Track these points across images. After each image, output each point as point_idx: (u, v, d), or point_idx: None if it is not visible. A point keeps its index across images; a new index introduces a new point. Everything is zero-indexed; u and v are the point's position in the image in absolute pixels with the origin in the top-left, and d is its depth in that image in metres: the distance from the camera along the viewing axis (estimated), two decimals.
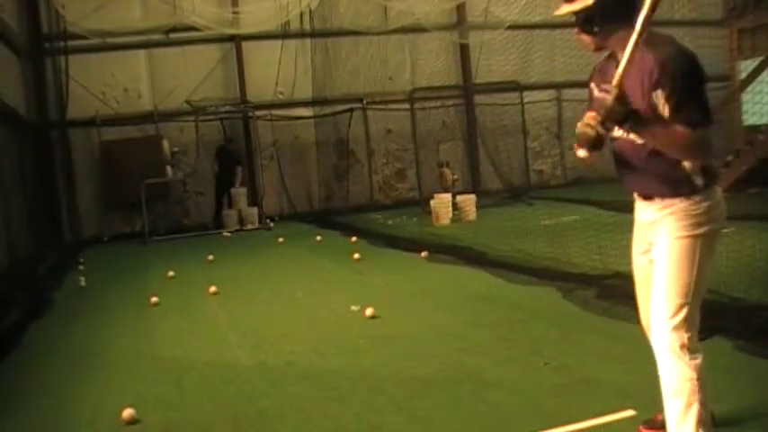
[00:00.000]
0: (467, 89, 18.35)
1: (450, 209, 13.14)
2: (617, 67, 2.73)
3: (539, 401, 3.94)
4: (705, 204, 2.83)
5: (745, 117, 14.24)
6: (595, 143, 2.66)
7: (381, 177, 18.14)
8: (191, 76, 16.21)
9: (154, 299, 7.76)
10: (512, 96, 17.27)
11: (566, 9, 2.91)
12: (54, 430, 4.36)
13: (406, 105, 16.93)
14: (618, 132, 2.88)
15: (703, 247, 2.85)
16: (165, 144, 15.72)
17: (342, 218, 15.02)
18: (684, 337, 2.81)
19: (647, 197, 2.94)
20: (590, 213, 12.07)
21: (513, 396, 4.07)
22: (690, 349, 2.81)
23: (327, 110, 17.31)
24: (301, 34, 16.70)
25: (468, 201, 13.41)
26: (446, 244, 9.87)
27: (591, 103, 3.05)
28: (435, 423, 3.81)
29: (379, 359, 5.08)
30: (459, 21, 17.86)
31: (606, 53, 3.02)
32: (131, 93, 16.21)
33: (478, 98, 18.23)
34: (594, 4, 2.80)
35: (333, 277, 8.76)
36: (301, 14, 16.12)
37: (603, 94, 2.72)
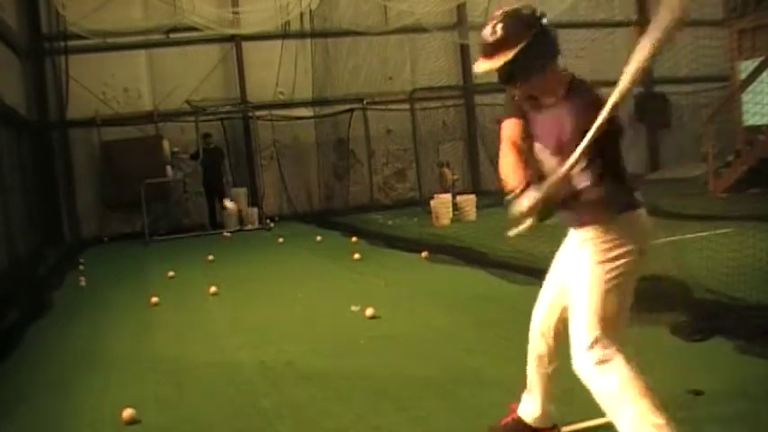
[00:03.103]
0: (467, 89, 18.34)
1: (451, 209, 13.14)
2: (539, 111, 2.90)
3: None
4: (615, 234, 2.82)
5: (745, 117, 14.23)
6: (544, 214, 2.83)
7: (381, 177, 18.15)
8: (191, 76, 16.21)
9: (154, 299, 7.76)
10: None
11: (485, 66, 2.85)
12: (54, 430, 4.36)
13: (406, 105, 16.92)
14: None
15: (614, 274, 2.82)
16: (166, 144, 15.72)
17: (342, 218, 15.02)
18: (600, 353, 2.80)
19: (569, 224, 3.04)
20: None
21: (513, 396, 4.07)
22: (607, 360, 2.80)
23: (327, 110, 17.32)
24: (301, 34, 16.71)
25: (469, 201, 13.41)
26: (446, 244, 9.87)
27: (516, 112, 3.04)
28: (435, 423, 3.81)
29: (379, 359, 5.08)
30: (459, 21, 17.87)
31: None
32: (131, 93, 16.22)
33: (478, 98, 18.22)
34: (510, 62, 2.76)
35: (333, 277, 8.76)
36: (301, 14, 16.13)
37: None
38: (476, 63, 2.93)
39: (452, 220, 12.93)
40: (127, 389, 4.91)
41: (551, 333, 3.22)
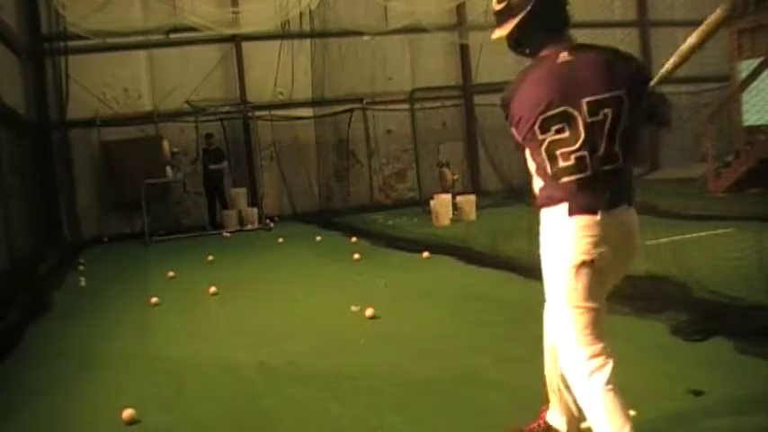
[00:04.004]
0: (467, 89, 18.35)
1: (451, 209, 13.14)
2: (557, 68, 2.88)
3: (539, 402, 3.94)
4: (552, 226, 2.83)
5: (745, 117, 14.23)
6: None
7: (381, 178, 18.14)
8: (191, 76, 16.21)
9: (154, 299, 7.76)
10: None
11: (497, 34, 2.93)
12: (54, 430, 4.36)
13: (406, 105, 16.92)
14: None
15: (560, 268, 2.80)
16: (166, 144, 15.72)
17: (342, 218, 15.02)
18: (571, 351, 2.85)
19: None
20: None
21: (513, 396, 4.07)
22: (576, 361, 2.83)
23: (327, 110, 17.31)
24: (301, 34, 16.69)
25: (468, 201, 13.41)
26: (446, 244, 9.86)
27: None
28: (435, 423, 3.81)
29: (379, 359, 5.08)
30: (460, 21, 17.86)
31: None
32: (131, 93, 16.21)
33: (478, 98, 18.21)
34: (519, 26, 2.81)
35: (333, 277, 8.76)
36: (301, 14, 16.10)
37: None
38: (492, 33, 2.98)
39: (452, 220, 12.93)
40: (127, 389, 4.91)
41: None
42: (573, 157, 2.71)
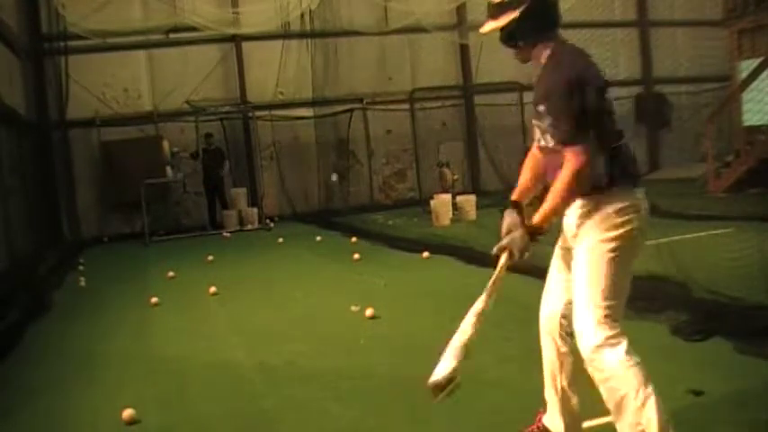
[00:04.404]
0: (467, 89, 18.35)
1: (451, 209, 13.14)
2: (540, 80, 3.00)
3: (539, 402, 3.94)
4: (615, 207, 2.85)
5: (745, 117, 14.24)
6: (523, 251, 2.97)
7: (381, 178, 18.15)
8: (191, 76, 16.21)
9: (154, 299, 7.76)
10: (511, 96, 17.26)
11: (490, 26, 3.04)
12: (54, 430, 4.36)
13: (406, 105, 16.92)
14: (541, 142, 3.07)
15: (620, 251, 2.85)
16: (166, 144, 15.71)
17: (342, 218, 15.02)
18: (601, 336, 2.83)
19: None
20: None
21: (513, 396, 4.07)
22: (605, 346, 2.82)
23: (327, 110, 17.31)
24: (301, 34, 16.70)
25: (468, 201, 13.41)
26: (446, 244, 9.87)
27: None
28: (435, 423, 3.81)
29: (379, 359, 5.08)
30: (460, 21, 17.86)
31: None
32: (131, 93, 16.22)
33: (478, 98, 18.23)
34: (514, 21, 2.92)
35: (333, 277, 8.76)
36: (301, 15, 16.12)
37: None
38: (482, 26, 3.09)
39: (452, 220, 12.94)
40: (127, 389, 4.91)
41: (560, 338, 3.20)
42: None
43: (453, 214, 13.13)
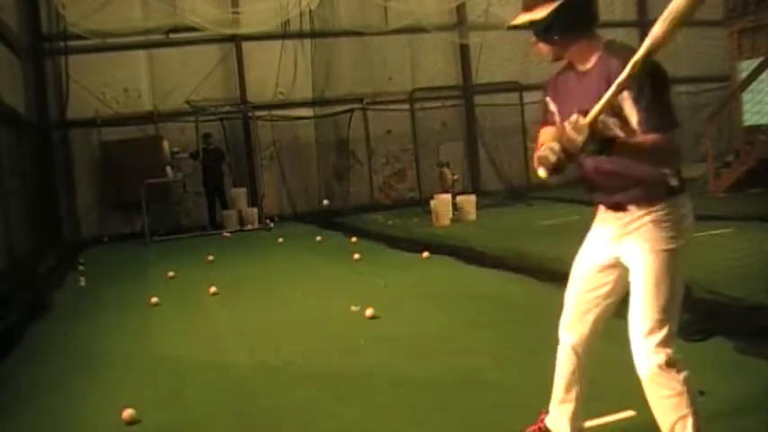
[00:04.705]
0: (467, 89, 18.34)
1: (451, 209, 13.14)
2: (576, 79, 2.81)
3: (539, 402, 3.94)
4: (679, 214, 2.78)
5: (745, 117, 14.24)
6: (557, 168, 2.60)
7: (381, 178, 18.15)
8: (191, 76, 16.20)
9: (154, 299, 7.76)
10: (512, 96, 17.26)
11: (525, 18, 2.86)
12: (54, 430, 4.36)
13: (406, 105, 16.92)
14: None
15: (680, 260, 2.78)
16: (166, 144, 15.71)
17: (342, 218, 15.02)
18: (669, 352, 2.75)
19: (619, 207, 2.86)
20: (590, 214, 12.05)
21: (513, 396, 4.07)
22: (676, 363, 2.75)
23: (327, 110, 17.31)
24: (301, 34, 16.70)
25: (468, 201, 13.41)
26: (446, 244, 9.87)
27: (546, 115, 3.01)
28: (435, 423, 3.81)
29: (379, 359, 5.08)
30: (460, 21, 17.86)
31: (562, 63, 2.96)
32: (131, 93, 16.21)
33: (478, 98, 18.22)
34: (554, 12, 2.75)
35: (333, 277, 8.76)
36: (301, 15, 16.11)
37: (566, 125, 2.56)
38: (515, 18, 2.90)
39: (452, 220, 12.93)
40: (127, 389, 4.92)
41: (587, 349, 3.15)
42: None
43: (453, 214, 13.12)
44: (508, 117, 17.59)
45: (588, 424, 3.45)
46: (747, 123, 14.18)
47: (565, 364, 3.18)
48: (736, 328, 4.67)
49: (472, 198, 13.57)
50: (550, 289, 6.61)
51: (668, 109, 2.67)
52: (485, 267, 8.05)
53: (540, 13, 2.78)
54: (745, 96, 13.82)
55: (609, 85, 2.55)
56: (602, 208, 2.99)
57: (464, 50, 18.15)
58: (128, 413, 4.21)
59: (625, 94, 2.61)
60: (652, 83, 2.63)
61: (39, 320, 7.47)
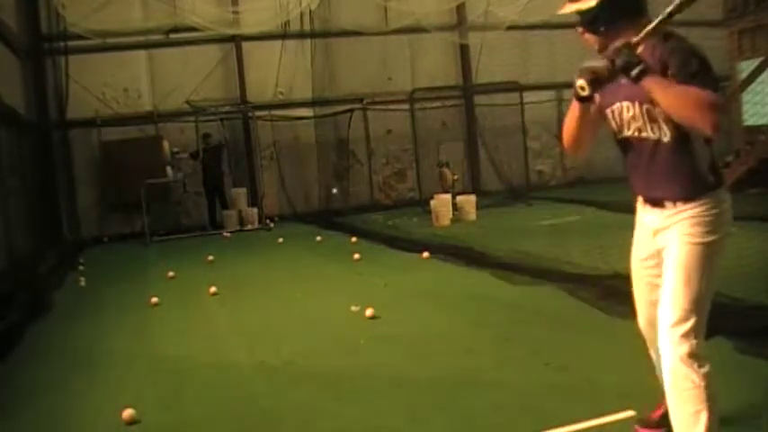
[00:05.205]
0: (467, 89, 18.34)
1: (451, 209, 13.14)
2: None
3: (539, 402, 3.94)
4: (718, 209, 2.75)
5: (745, 117, 14.23)
6: (597, 80, 2.62)
7: (381, 178, 18.15)
8: (191, 76, 16.20)
9: (154, 299, 7.76)
10: (512, 96, 17.27)
11: (572, 7, 2.82)
12: (54, 430, 4.36)
13: (406, 105, 16.93)
14: (629, 132, 2.83)
15: (715, 254, 2.77)
16: (166, 144, 15.71)
17: (342, 218, 15.02)
18: (693, 344, 2.73)
19: (657, 203, 2.85)
20: (590, 214, 12.09)
21: (513, 396, 4.07)
22: (698, 357, 2.74)
23: (327, 110, 17.31)
24: (301, 34, 16.70)
25: (468, 201, 13.40)
26: (446, 244, 9.87)
27: (599, 113, 2.95)
28: (435, 423, 3.81)
29: (379, 359, 5.08)
30: (460, 21, 17.86)
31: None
32: (131, 93, 16.21)
33: (478, 98, 18.23)
34: (601, 2, 2.72)
35: (333, 277, 8.76)
36: (301, 15, 16.11)
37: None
38: (562, 7, 2.88)
39: (452, 220, 12.93)
40: (127, 389, 4.92)
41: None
42: None
43: (453, 214, 13.12)
44: (508, 117, 17.60)
45: (588, 424, 3.45)
46: (747, 123, 14.17)
47: (657, 363, 3.09)
48: (736, 328, 4.66)
49: (472, 198, 13.57)
50: (550, 289, 6.63)
51: (714, 79, 2.68)
52: (485, 267, 8.05)
53: (588, 3, 2.74)
54: (745, 96, 13.81)
55: (655, 68, 2.60)
56: (640, 200, 2.99)
57: (464, 50, 18.15)
58: (128, 413, 4.21)
59: (671, 72, 2.64)
60: (697, 58, 2.70)
61: (39, 320, 7.47)
